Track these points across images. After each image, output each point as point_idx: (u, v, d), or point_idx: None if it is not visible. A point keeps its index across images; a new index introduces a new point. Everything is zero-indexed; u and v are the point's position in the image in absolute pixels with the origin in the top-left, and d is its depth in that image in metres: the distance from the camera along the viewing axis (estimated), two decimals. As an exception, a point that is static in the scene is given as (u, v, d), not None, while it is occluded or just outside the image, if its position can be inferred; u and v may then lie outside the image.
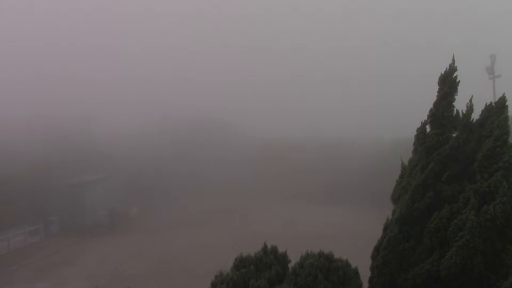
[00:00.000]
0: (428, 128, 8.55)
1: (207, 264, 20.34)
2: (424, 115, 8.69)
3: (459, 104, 8.51)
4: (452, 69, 8.42)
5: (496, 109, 7.94)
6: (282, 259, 9.28)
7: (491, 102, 8.19)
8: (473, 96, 8.50)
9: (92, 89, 55.98)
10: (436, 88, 8.63)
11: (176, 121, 52.07)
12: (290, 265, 9.04)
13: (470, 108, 8.30)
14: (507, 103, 7.89)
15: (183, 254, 25.22)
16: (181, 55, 72.61)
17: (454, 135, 8.28)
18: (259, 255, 9.16)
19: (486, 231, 6.95)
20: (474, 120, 8.31)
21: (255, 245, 9.90)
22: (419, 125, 8.79)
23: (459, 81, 8.37)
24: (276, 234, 16.46)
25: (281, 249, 9.49)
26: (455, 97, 8.40)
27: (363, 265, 8.79)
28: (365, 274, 8.47)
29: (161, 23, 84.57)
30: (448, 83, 8.35)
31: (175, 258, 24.67)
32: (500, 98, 8.06)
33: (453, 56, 8.49)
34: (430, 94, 8.89)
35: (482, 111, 8.21)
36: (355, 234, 25.59)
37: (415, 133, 8.91)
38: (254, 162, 48.34)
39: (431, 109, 8.50)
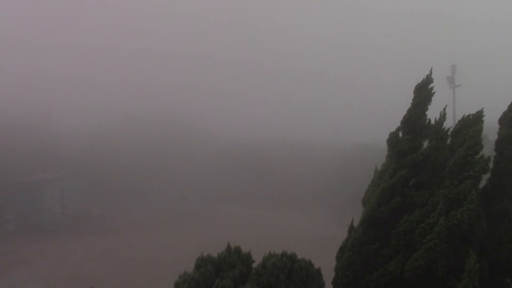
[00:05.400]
0: (400, 134, 8.80)
1: (170, 265, 20.06)
2: (391, 122, 8.95)
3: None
4: (428, 79, 8.75)
5: (472, 120, 8.25)
6: (246, 259, 9.24)
7: (469, 114, 8.52)
8: (432, 105, 8.86)
9: (54, 86, 54.39)
10: (401, 94, 8.93)
11: (140, 121, 51.27)
12: (254, 265, 9.04)
13: (443, 117, 8.62)
14: (483, 117, 8.22)
15: (145, 255, 24.78)
16: (148, 55, 71.47)
17: (425, 142, 8.56)
18: (223, 255, 9.09)
19: (452, 235, 7.16)
20: (446, 129, 8.64)
21: (219, 247, 9.83)
22: (385, 131, 9.04)
23: (434, 92, 8.71)
24: (240, 236, 16.41)
25: (244, 250, 9.47)
26: (428, 106, 8.74)
27: (328, 267, 8.88)
28: (329, 275, 8.55)
29: (131, 22, 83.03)
30: (423, 93, 8.66)
31: (137, 259, 24.18)
32: (478, 112, 8.38)
33: (431, 69, 8.87)
34: (398, 101, 9.15)
35: (459, 121, 8.54)
36: (320, 237, 25.85)
37: (380, 138, 9.13)
38: (219, 164, 48.15)
39: (404, 115, 8.76)
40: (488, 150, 8.12)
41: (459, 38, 69.13)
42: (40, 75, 55.35)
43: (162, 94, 59.67)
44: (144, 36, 78.35)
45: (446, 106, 8.72)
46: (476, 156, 7.65)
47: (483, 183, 8.01)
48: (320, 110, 60.11)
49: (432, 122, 8.72)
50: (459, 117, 8.93)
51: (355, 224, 8.40)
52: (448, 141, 8.62)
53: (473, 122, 8.18)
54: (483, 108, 8.39)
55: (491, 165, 7.90)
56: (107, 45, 69.74)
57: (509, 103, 8.04)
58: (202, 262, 9.06)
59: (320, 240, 24.36)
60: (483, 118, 8.22)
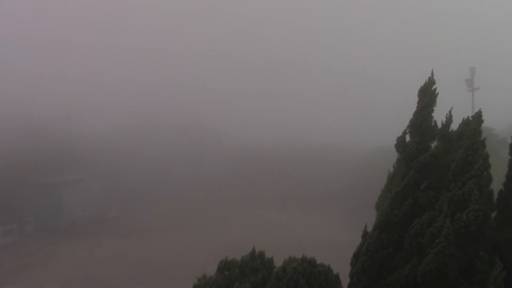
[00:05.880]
0: (408, 138, 8.80)
1: (187, 268, 20.19)
2: (406, 123, 8.96)
3: (437, 115, 8.83)
4: (431, 81, 8.80)
5: (473, 121, 8.22)
6: (269, 264, 9.29)
7: (468, 116, 8.50)
8: (453, 108, 8.82)
9: (73, 88, 55.18)
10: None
11: (156, 125, 51.72)
12: (275, 270, 9.05)
13: (449, 119, 8.63)
14: (482, 117, 8.18)
15: (162, 258, 24.96)
16: (167, 58, 72.05)
17: (432, 144, 8.55)
18: (246, 259, 9.15)
19: (461, 238, 7.18)
20: (453, 131, 8.61)
21: (235, 249, 9.88)
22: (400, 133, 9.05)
23: (437, 93, 8.72)
24: (255, 240, 16.49)
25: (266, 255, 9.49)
26: (434, 108, 8.73)
27: (342, 272, 8.89)
28: (344, 280, 8.56)
29: (148, 23, 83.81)
30: (427, 95, 8.69)
31: (153, 261, 24.38)
32: (477, 112, 8.38)
33: (432, 71, 8.88)
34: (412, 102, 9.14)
35: (460, 124, 8.55)
36: (336, 241, 25.70)
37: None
38: (236, 167, 48.32)
39: (411, 119, 8.79)
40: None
41: (479, 40, 68.17)
42: (60, 77, 56.28)
43: (179, 97, 60.08)
44: (163, 38, 79.03)
45: (452, 108, 8.70)
46: (476, 155, 7.63)
47: (499, 186, 7.94)
48: (338, 112, 59.69)
49: (456, 126, 8.71)
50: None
51: (369, 229, 8.40)
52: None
53: (474, 123, 8.16)
54: (480, 108, 8.38)
55: (506, 169, 7.84)
56: (126, 46, 70.49)
57: None
58: (225, 265, 9.13)
59: (336, 244, 24.30)
60: (482, 118, 8.20)
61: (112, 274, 22.29)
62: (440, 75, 8.93)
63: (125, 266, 23.73)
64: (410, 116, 8.95)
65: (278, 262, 9.17)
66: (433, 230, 7.31)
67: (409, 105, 9.05)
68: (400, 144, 8.75)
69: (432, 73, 8.84)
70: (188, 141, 50.44)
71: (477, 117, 8.28)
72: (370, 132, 48.74)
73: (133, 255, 25.90)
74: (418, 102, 8.84)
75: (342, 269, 9.12)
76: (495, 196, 7.94)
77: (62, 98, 47.77)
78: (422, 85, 8.90)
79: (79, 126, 45.32)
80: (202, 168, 47.66)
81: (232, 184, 46.00)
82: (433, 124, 8.72)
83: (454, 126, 8.80)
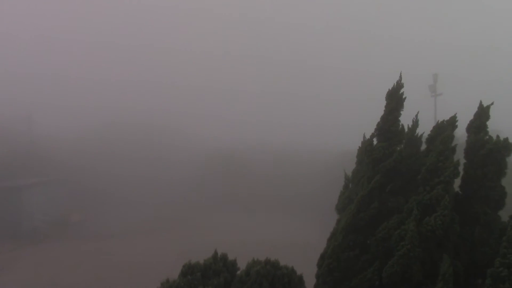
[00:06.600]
0: (375, 141, 8.91)
1: (151, 273, 19.87)
2: (368, 129, 9.11)
3: (403, 119, 9.00)
4: (399, 85, 8.89)
5: (447, 126, 8.43)
6: (232, 266, 9.26)
7: (443, 120, 8.68)
8: (414, 113, 9.04)
9: (34, 88, 53.43)
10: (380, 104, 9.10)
11: (123, 125, 50.76)
12: (238, 273, 9.04)
13: (415, 123, 8.81)
14: (457, 123, 8.40)
15: (126, 262, 24.46)
16: (135, 55, 70.66)
17: (399, 148, 8.70)
18: (208, 262, 9.09)
19: (426, 241, 7.32)
20: (419, 135, 8.79)
21: (203, 253, 9.79)
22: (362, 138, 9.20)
23: (405, 97, 8.85)
24: (223, 242, 16.40)
25: (229, 256, 9.45)
26: (401, 112, 8.87)
27: (309, 273, 8.93)
28: (311, 282, 8.60)
29: (115, 19, 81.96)
30: (395, 99, 8.79)
31: (117, 266, 23.86)
32: (451, 117, 8.57)
33: (400, 74, 9.00)
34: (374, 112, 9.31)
35: (434, 127, 8.71)
36: (304, 243, 25.90)
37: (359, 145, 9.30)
38: (203, 169, 47.94)
39: (378, 123, 8.88)
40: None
41: (443, 47, 70.50)
42: (20, 75, 54.33)
43: (147, 96, 59.19)
44: (131, 34, 77.41)
45: (418, 113, 8.87)
46: (447, 161, 7.82)
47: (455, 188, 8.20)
48: (306, 118, 60.34)
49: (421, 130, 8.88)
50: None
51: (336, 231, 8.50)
52: (425, 147, 8.78)
53: (447, 128, 8.36)
54: (456, 113, 8.59)
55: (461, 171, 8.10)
56: (91, 42, 68.84)
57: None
58: (189, 269, 9.03)
59: (303, 246, 24.47)
60: (456, 124, 8.41)
61: (75, 279, 21.66)
62: (405, 80, 9.07)
63: (89, 271, 23.11)
64: (378, 119, 9.05)
65: (243, 265, 9.15)
66: (400, 233, 7.45)
67: (376, 109, 9.19)
68: (368, 147, 8.86)
69: (400, 77, 8.93)
70: (156, 143, 49.75)
71: (451, 122, 8.47)
72: (337, 135, 49.50)
73: (96, 260, 25.29)
74: (386, 106, 8.92)
75: (309, 270, 9.18)
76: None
77: (22, 97, 46.23)
78: (389, 88, 9.02)
79: (41, 126, 43.95)
80: (170, 170, 47.06)
81: (201, 187, 45.64)
82: (400, 128, 8.86)
83: (419, 130, 9.00)
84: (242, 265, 9.16)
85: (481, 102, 8.20)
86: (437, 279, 7.02)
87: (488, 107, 8.14)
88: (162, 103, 56.75)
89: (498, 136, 7.99)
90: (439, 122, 8.73)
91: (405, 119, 9.00)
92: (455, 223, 7.64)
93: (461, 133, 9.33)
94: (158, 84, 62.92)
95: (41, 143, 41.96)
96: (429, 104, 35.86)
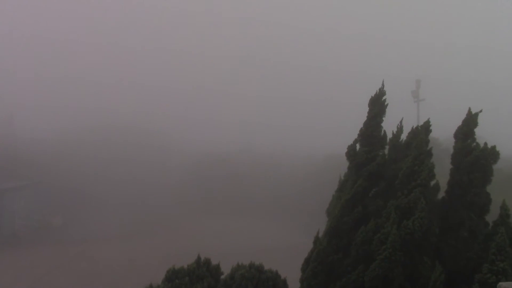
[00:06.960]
0: (358, 146, 9.05)
1: (134, 277, 19.68)
2: (356, 131, 9.23)
3: (385, 125, 9.16)
4: (381, 92, 9.09)
5: (422, 131, 8.58)
6: (215, 271, 9.27)
7: (417, 125, 8.85)
8: (397, 118, 9.19)
9: (16, 88, 52.57)
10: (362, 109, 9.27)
11: (107, 128, 50.20)
12: (223, 277, 9.04)
13: (400, 129, 8.99)
14: (431, 127, 8.54)
15: (109, 268, 24.17)
16: (119, 57, 69.87)
17: (381, 153, 8.84)
18: (192, 267, 9.08)
19: (406, 244, 7.44)
20: (403, 141, 8.95)
21: (186, 258, 9.75)
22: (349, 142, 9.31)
23: (387, 104, 9.03)
24: (208, 247, 16.35)
25: (213, 261, 9.45)
26: (383, 118, 9.04)
27: (295, 278, 8.96)
28: (295, 286, 8.64)
29: (102, 20, 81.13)
30: (377, 105, 8.98)
31: (100, 272, 23.56)
32: (425, 122, 8.73)
33: (382, 81, 9.21)
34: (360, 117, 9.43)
35: (409, 133, 8.87)
36: (288, 246, 25.88)
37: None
38: (186, 174, 47.66)
39: (361, 129, 9.05)
40: None
41: (425, 53, 71.55)
42: (1, 75, 53.39)
43: (134, 99, 58.63)
44: (120, 37, 76.83)
45: (402, 119, 9.04)
46: (422, 165, 7.98)
47: (441, 194, 8.33)
48: (294, 121, 60.46)
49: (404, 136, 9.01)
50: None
51: (321, 235, 8.55)
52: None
53: (422, 133, 8.53)
54: (429, 118, 8.80)
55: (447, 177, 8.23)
56: (76, 43, 67.97)
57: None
58: (173, 274, 9.01)
59: (288, 250, 24.47)
60: (430, 128, 8.58)
61: (56, 285, 21.35)
62: (388, 87, 9.24)
63: (70, 276, 22.79)
64: (361, 124, 9.20)
65: (227, 269, 9.14)
66: (380, 237, 7.55)
67: (363, 113, 9.31)
68: (351, 152, 9.00)
69: (383, 84, 9.16)
70: (142, 146, 49.28)
71: (425, 127, 8.64)
72: (321, 139, 49.77)
73: (78, 265, 24.94)
74: (368, 112, 9.15)
75: (293, 274, 9.21)
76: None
77: (3, 98, 45.44)
78: (372, 95, 9.19)
79: (22, 128, 43.20)
80: (156, 174, 46.69)
81: (185, 192, 45.34)
82: (382, 133, 9.04)
83: (404, 136, 9.15)
84: (227, 269, 9.16)
85: (469, 109, 8.37)
86: (417, 282, 7.12)
87: (476, 114, 8.31)
88: (150, 105, 56.38)
89: (485, 144, 8.14)
90: (413, 127, 8.91)
91: (391, 124, 9.15)
92: (434, 226, 7.76)
93: (444, 138, 9.52)
94: (146, 87, 62.51)
95: (23, 145, 41.23)
96: (415, 109, 36.44)
